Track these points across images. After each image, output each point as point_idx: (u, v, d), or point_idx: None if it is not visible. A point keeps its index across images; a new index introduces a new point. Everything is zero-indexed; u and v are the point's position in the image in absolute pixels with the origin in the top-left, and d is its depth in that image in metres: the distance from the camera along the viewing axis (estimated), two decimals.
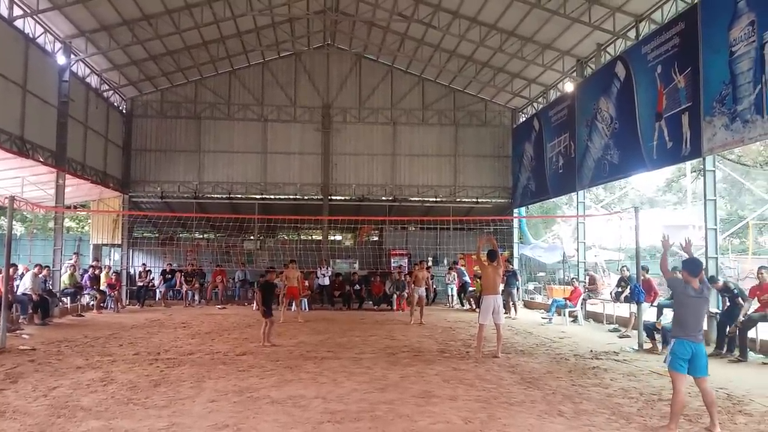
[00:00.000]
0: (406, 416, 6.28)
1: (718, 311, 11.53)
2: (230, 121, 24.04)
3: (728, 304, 10.93)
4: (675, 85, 13.32)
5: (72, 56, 17.76)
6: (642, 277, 13.11)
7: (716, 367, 9.51)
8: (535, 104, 23.15)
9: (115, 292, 18.90)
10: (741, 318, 10.21)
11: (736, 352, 10.26)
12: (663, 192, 33.71)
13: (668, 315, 12.30)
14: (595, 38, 17.51)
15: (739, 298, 10.52)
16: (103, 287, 18.52)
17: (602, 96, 16.78)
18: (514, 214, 24.86)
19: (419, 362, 9.68)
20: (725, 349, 10.55)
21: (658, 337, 11.34)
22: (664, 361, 6.17)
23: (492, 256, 10.86)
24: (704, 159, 12.66)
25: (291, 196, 24.33)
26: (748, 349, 10.19)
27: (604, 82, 16.68)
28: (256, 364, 9.32)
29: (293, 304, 17.37)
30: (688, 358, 5.89)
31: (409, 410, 6.52)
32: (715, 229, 12.75)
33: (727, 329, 10.48)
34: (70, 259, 18.76)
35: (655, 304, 13.59)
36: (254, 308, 19.47)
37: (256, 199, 23.93)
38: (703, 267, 6.41)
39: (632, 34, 16.06)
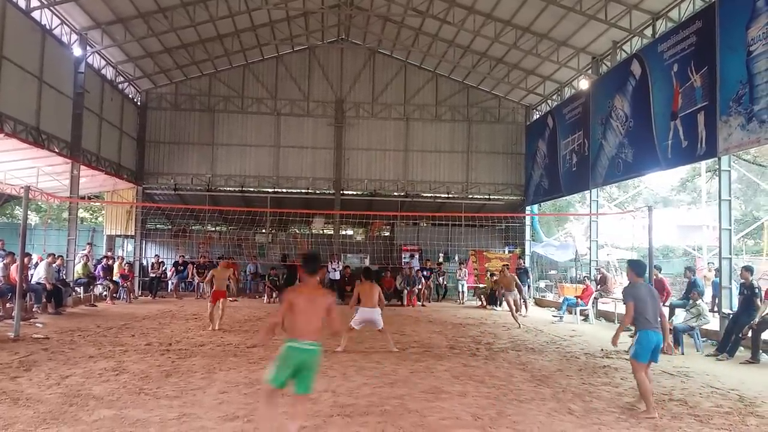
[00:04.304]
0: (415, 411, 6.29)
1: (731, 312, 11.45)
2: (243, 115, 24.12)
3: (744, 302, 10.80)
4: (691, 83, 13.21)
5: (88, 48, 17.87)
6: (654, 277, 13.03)
7: (728, 369, 9.48)
8: (549, 101, 23.04)
9: (128, 283, 19.06)
10: (757, 319, 10.13)
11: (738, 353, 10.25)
12: (677, 191, 33.48)
13: (680, 315, 12.26)
14: (611, 36, 17.38)
15: (758, 300, 10.42)
16: (116, 278, 18.67)
17: (617, 94, 16.67)
18: (527, 212, 24.79)
19: (429, 358, 9.69)
20: (727, 350, 10.52)
21: (669, 337, 11.25)
22: (627, 351, 6.70)
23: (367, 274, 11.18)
24: (719, 159, 12.55)
25: (303, 190, 24.38)
26: (761, 351, 10.12)
27: (620, 79, 16.57)
28: (266, 356, 9.32)
29: None
30: (653, 348, 6.42)
31: (418, 405, 6.53)
32: (730, 230, 12.63)
33: (741, 331, 10.40)
34: (84, 250, 18.92)
35: (668, 303, 13.51)
36: (265, 301, 19.62)
37: (269, 192, 24.02)
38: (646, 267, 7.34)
39: (649, 32, 15.92)
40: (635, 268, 6.84)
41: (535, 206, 25.23)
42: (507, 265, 18.38)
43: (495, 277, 20.47)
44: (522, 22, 18.56)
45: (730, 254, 12.61)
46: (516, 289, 16.24)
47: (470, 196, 24.76)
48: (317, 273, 5.09)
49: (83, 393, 6.65)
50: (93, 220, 32.80)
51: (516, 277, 17.46)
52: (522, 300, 18.38)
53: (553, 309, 18.34)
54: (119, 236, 24.35)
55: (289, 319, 4.81)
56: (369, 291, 10.68)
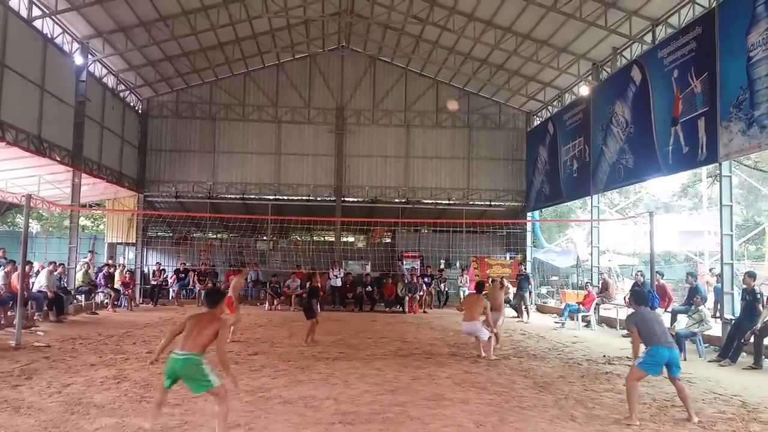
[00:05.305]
0: (417, 419, 6.27)
1: (733, 317, 11.42)
2: (244, 122, 24.16)
3: (746, 307, 10.77)
4: (691, 89, 13.22)
5: (89, 57, 17.94)
6: (656, 282, 13.01)
7: (730, 375, 9.46)
8: (549, 108, 23.06)
9: (129, 291, 19.04)
10: (759, 325, 10.10)
11: (740, 359, 10.22)
12: (678, 197, 33.48)
13: (682, 321, 12.23)
14: (611, 42, 17.41)
15: (760, 305, 10.39)
16: (117, 285, 18.66)
17: (618, 100, 16.69)
18: (528, 218, 24.77)
19: (431, 365, 9.66)
20: (730, 356, 10.50)
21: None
22: (635, 361, 6.73)
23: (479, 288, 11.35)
24: (720, 164, 12.54)
25: (304, 197, 24.41)
26: (763, 357, 10.08)
27: (620, 86, 16.59)
28: (267, 363, 9.35)
29: None
30: (665, 362, 6.59)
31: (420, 413, 6.51)
32: (731, 235, 12.61)
33: (743, 336, 10.37)
34: (85, 257, 18.92)
35: (669, 309, 13.50)
36: (266, 308, 19.59)
37: (270, 199, 24.03)
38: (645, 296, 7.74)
39: (649, 38, 15.95)
40: (634, 297, 7.40)
41: (536, 212, 25.20)
42: (501, 278, 16.13)
43: (496, 283, 20.37)
44: (522, 29, 18.60)
45: (732, 260, 12.59)
46: (502, 311, 12.77)
47: (471, 203, 24.76)
48: (217, 306, 5.77)
49: (84, 401, 6.64)
50: (94, 228, 32.78)
51: (506, 291, 15.87)
52: (524, 307, 18.39)
53: (555, 315, 18.30)
54: (120, 244, 24.34)
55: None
56: (471, 303, 10.87)
